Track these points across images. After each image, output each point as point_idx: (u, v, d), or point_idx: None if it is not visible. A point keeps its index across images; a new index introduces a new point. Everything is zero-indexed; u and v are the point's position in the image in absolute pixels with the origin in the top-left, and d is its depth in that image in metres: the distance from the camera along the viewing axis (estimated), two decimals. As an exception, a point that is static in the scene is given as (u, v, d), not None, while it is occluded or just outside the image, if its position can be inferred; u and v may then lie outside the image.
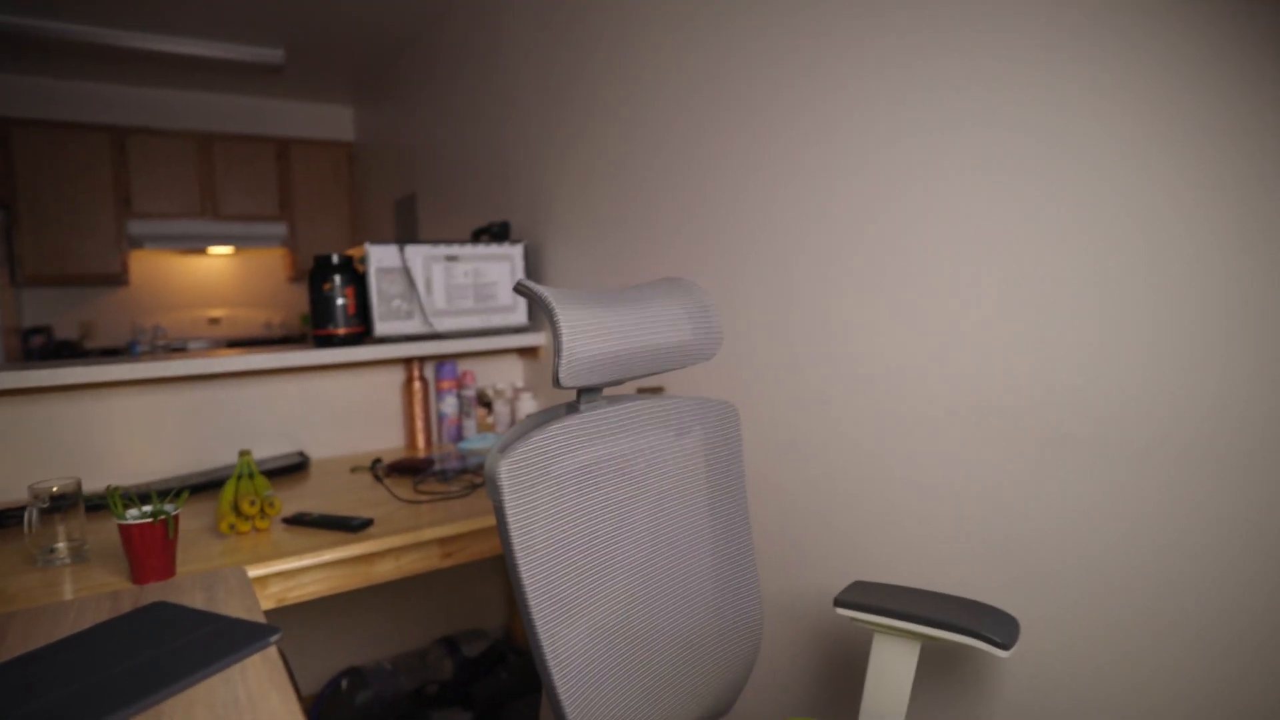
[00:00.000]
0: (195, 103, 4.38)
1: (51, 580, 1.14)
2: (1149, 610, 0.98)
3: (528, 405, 2.19)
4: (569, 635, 0.84)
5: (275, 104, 4.60)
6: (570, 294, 0.89)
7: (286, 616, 2.14)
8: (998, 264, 1.11)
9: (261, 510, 1.36)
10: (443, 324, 2.09)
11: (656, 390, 1.86)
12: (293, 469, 1.80)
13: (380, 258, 1.98)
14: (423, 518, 1.41)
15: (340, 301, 1.95)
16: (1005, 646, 0.93)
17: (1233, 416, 0.89)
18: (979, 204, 1.13)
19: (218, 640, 0.85)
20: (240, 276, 4.70)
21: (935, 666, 1.26)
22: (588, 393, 0.95)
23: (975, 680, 1.20)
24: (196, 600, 1.01)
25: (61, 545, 1.20)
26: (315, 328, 1.96)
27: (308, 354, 1.86)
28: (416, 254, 2.04)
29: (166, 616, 0.92)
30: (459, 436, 2.17)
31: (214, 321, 4.63)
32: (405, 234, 3.84)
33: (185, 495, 1.15)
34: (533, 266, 2.42)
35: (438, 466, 1.75)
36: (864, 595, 1.06)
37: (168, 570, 1.10)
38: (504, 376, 2.36)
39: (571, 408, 0.94)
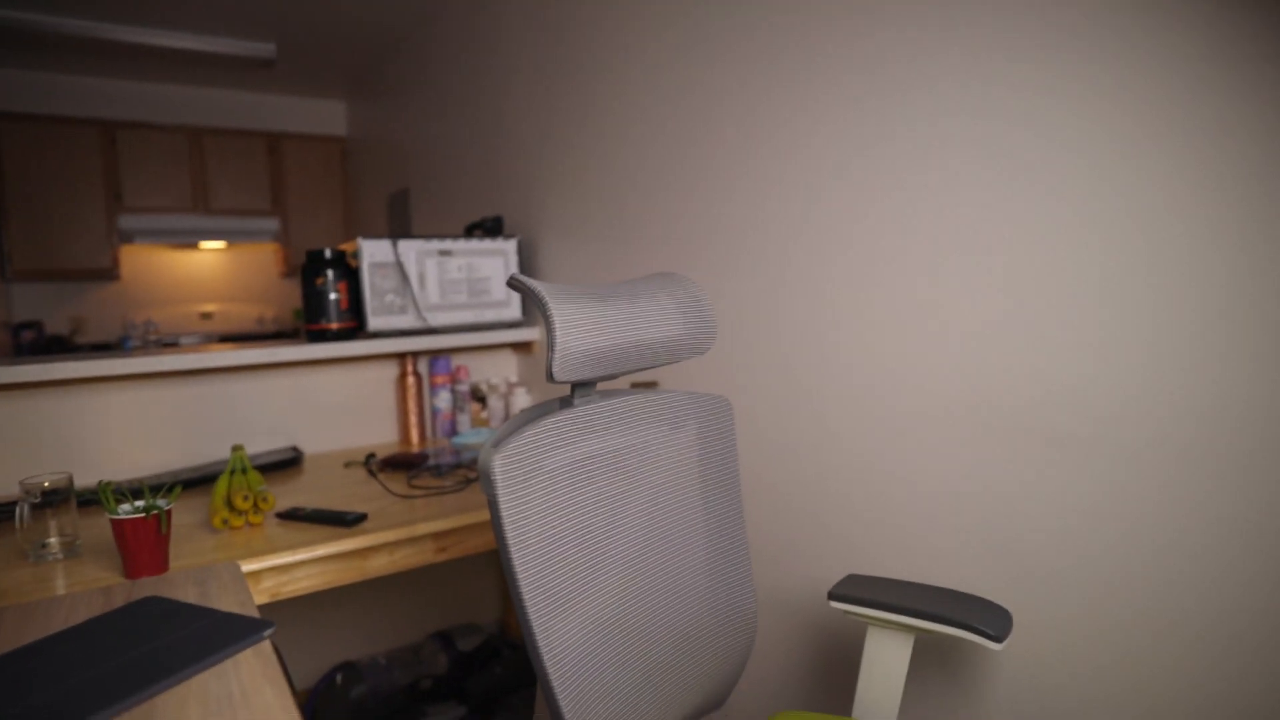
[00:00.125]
0: (186, 97, 4.35)
1: (44, 575, 1.14)
2: (1149, 610, 0.98)
3: (522, 400, 2.19)
4: (563, 629, 0.84)
5: (267, 98, 4.57)
6: (564, 288, 0.89)
7: (280, 611, 2.14)
8: (997, 262, 1.11)
9: (255, 505, 1.36)
10: (436, 319, 2.09)
11: (650, 385, 1.86)
12: (286, 464, 1.80)
13: (373, 252, 1.98)
14: (417, 512, 1.41)
15: (333, 296, 1.94)
16: (998, 639, 0.94)
17: (1233, 416, 0.89)
18: (977, 201, 1.13)
19: (211, 635, 0.85)
20: (232, 271, 4.68)
21: (930, 661, 1.27)
22: (581, 387, 0.95)
23: (970, 675, 1.20)
24: (190, 595, 1.01)
25: (54, 540, 1.20)
26: (308, 323, 1.96)
27: (301, 349, 1.85)
28: (410, 249, 2.04)
29: (159, 611, 0.92)
30: (453, 431, 2.17)
31: (206, 316, 4.60)
32: (398, 229, 3.83)
33: (178, 490, 1.15)
34: (526, 261, 2.42)
35: (432, 461, 1.75)
36: (857, 588, 1.07)
37: (160, 565, 1.10)
38: (498, 371, 2.36)
39: (565, 402, 0.94)
